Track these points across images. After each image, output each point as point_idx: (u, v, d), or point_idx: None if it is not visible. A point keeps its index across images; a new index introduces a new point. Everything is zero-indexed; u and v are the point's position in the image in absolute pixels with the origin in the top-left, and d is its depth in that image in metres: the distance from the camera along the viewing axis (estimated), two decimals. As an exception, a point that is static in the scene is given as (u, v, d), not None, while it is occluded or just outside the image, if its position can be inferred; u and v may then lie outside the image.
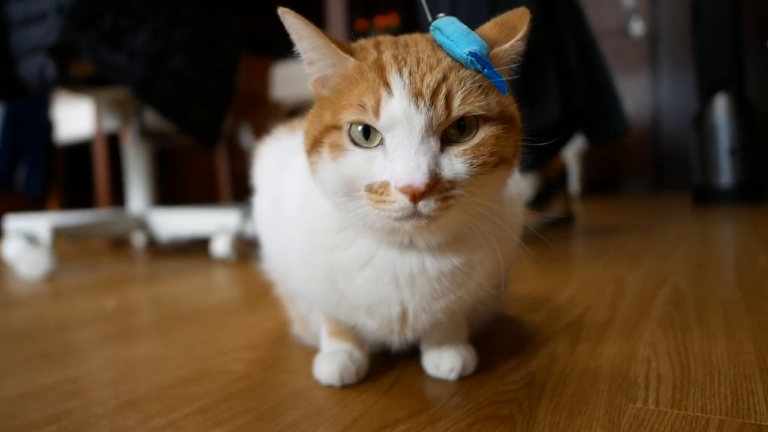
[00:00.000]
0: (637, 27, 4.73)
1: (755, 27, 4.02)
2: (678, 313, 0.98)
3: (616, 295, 1.14)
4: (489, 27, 0.59)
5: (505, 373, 0.73)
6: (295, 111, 2.61)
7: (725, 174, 3.28)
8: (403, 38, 0.60)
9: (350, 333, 0.74)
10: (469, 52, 0.53)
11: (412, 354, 0.78)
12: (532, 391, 0.67)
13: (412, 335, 0.68)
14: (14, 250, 1.85)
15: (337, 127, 0.56)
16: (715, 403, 0.61)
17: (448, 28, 0.55)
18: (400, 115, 0.52)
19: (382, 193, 0.54)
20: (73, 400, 0.72)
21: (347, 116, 0.54)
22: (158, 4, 1.81)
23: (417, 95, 0.52)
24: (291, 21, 0.57)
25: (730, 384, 0.66)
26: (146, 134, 2.37)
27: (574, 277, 1.37)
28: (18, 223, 1.92)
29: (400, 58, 0.55)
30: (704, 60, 3.39)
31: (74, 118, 3.13)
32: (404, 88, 0.52)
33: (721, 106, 3.28)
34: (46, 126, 3.11)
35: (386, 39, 0.60)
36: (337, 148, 0.56)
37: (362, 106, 0.53)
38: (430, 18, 0.59)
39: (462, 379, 0.71)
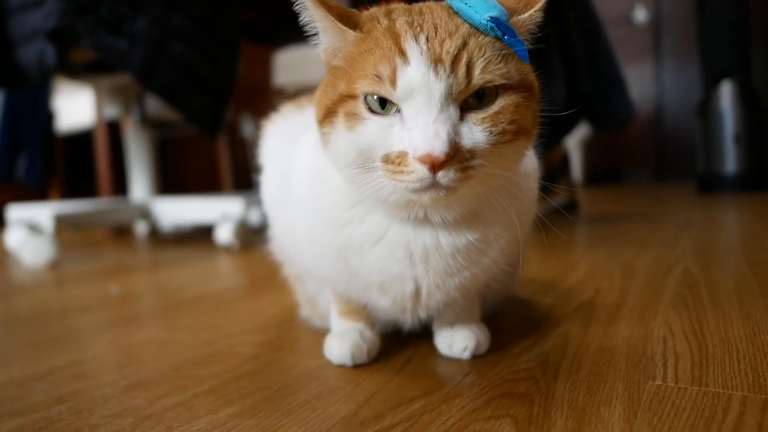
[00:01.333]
0: (641, 15, 4.69)
1: (760, 15, 3.99)
2: (691, 294, 0.97)
3: (626, 279, 1.13)
4: None
5: (519, 353, 0.72)
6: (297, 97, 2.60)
7: (730, 162, 3.27)
8: (417, 6, 0.58)
9: (361, 312, 0.73)
10: (490, 17, 0.51)
11: (423, 334, 0.77)
12: (548, 369, 0.66)
13: (425, 313, 0.67)
14: (17, 238, 1.83)
15: (352, 96, 0.54)
16: (736, 380, 0.59)
17: None
18: (418, 82, 0.50)
19: (399, 164, 0.52)
20: (80, 382, 0.71)
21: (362, 86, 0.53)
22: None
23: (436, 61, 0.50)
24: None
25: (750, 361, 0.65)
26: (147, 122, 2.35)
27: (581, 261, 1.36)
28: (20, 212, 1.91)
29: (415, 24, 0.53)
30: (709, 48, 3.37)
31: (74, 107, 3.11)
32: (422, 54, 0.51)
33: (726, 94, 3.26)
34: (46, 116, 3.09)
35: (399, 6, 0.58)
36: (353, 116, 0.54)
37: (378, 77, 0.52)
38: None
39: (475, 358, 0.70)
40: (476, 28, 0.53)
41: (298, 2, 0.56)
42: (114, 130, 2.95)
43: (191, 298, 1.21)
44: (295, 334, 0.88)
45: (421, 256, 0.61)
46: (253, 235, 2.01)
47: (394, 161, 0.52)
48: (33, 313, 1.13)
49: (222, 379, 0.69)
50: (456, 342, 0.70)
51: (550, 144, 2.19)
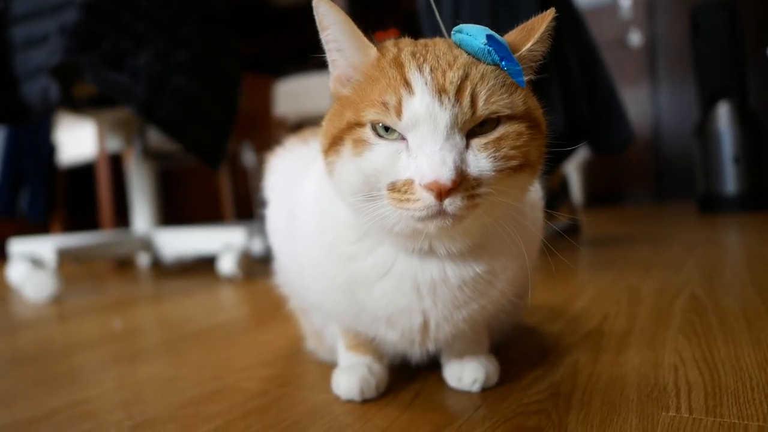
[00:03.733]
0: (636, 38, 4.76)
1: (755, 33, 4.04)
2: (699, 320, 0.96)
3: (633, 304, 1.12)
4: (511, 33, 0.59)
5: (530, 384, 0.71)
6: (298, 127, 2.61)
7: (730, 182, 3.27)
8: (423, 40, 0.59)
9: (369, 345, 0.72)
10: (486, 37, 0.52)
11: (432, 365, 0.76)
12: (559, 401, 0.65)
13: (433, 346, 0.66)
14: (19, 273, 1.83)
15: (360, 124, 0.55)
16: (751, 410, 0.59)
17: (468, 27, 0.55)
18: (423, 113, 0.51)
19: (406, 192, 0.52)
20: (85, 423, 0.70)
21: (369, 115, 0.53)
22: (159, 25, 1.82)
23: (440, 91, 0.51)
24: (325, 8, 0.56)
25: (764, 390, 0.64)
26: (149, 154, 2.37)
27: (587, 286, 1.35)
28: (23, 246, 1.90)
29: (418, 54, 0.54)
30: (705, 69, 3.40)
31: (76, 140, 3.13)
32: (426, 84, 0.52)
33: (723, 115, 3.28)
34: (48, 149, 3.10)
35: (405, 40, 0.60)
36: (360, 143, 0.54)
37: (384, 105, 0.52)
38: (444, 31, 0.59)
39: (485, 390, 0.69)
40: (476, 57, 0.54)
41: (326, 18, 0.57)
42: (115, 162, 2.97)
43: (196, 331, 1.20)
44: (302, 368, 0.87)
45: (428, 288, 0.61)
46: (256, 265, 2.01)
47: (400, 189, 0.52)
48: (36, 350, 1.13)
49: (229, 416, 0.68)
50: (465, 374, 0.69)
51: (550, 168, 2.20)
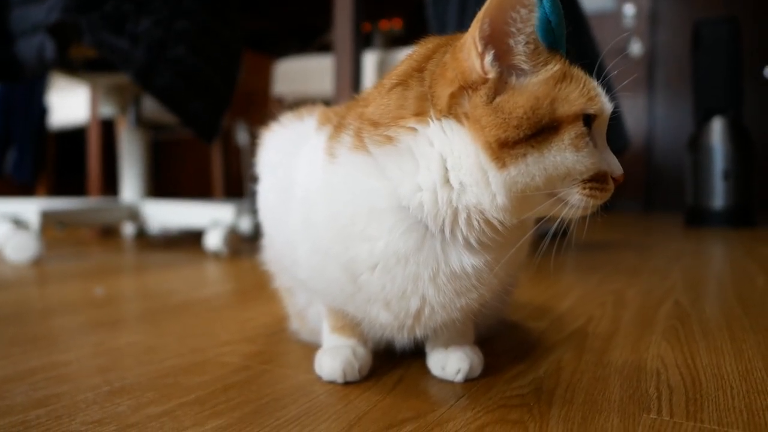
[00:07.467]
0: (637, 47, 4.77)
1: (752, 53, 4.07)
2: (682, 327, 0.97)
3: (618, 308, 1.13)
4: None
5: (513, 378, 0.71)
6: (296, 107, 2.59)
7: (718, 197, 3.30)
8: None
9: (355, 328, 0.71)
10: None
11: (416, 353, 0.76)
12: (542, 396, 0.65)
13: (421, 332, 0.66)
14: (1, 233, 1.80)
15: (577, 117, 0.55)
16: (731, 417, 0.59)
17: None
18: (609, 110, 0.58)
19: (604, 182, 0.57)
20: (61, 386, 0.69)
21: (591, 106, 0.55)
22: (161, -8, 1.79)
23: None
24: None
25: (744, 399, 0.64)
26: (143, 124, 2.33)
27: (573, 288, 1.35)
28: (6, 206, 1.87)
29: None
30: (703, 84, 3.42)
31: (68, 103, 3.07)
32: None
33: (717, 130, 3.30)
34: (40, 110, 3.05)
35: None
36: (581, 137, 0.55)
37: (591, 99, 0.55)
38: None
39: (468, 381, 0.69)
40: None
41: (528, 23, 0.54)
42: (107, 128, 2.93)
43: (179, 303, 1.19)
44: (285, 347, 0.87)
45: (438, 275, 0.60)
46: (242, 244, 1.99)
47: (600, 179, 0.57)
48: (14, 311, 1.11)
49: (210, 389, 0.67)
50: (449, 364, 0.69)
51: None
